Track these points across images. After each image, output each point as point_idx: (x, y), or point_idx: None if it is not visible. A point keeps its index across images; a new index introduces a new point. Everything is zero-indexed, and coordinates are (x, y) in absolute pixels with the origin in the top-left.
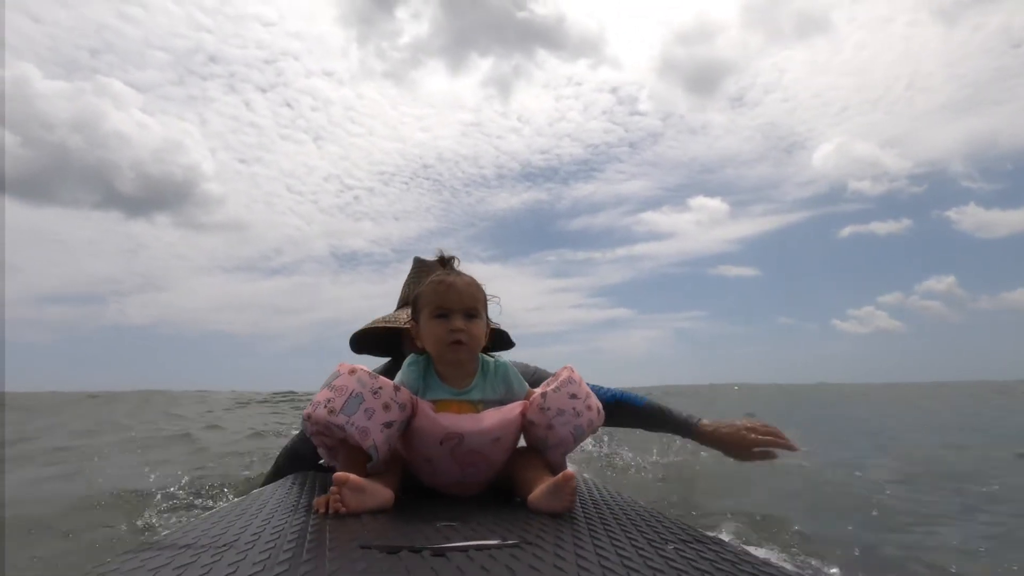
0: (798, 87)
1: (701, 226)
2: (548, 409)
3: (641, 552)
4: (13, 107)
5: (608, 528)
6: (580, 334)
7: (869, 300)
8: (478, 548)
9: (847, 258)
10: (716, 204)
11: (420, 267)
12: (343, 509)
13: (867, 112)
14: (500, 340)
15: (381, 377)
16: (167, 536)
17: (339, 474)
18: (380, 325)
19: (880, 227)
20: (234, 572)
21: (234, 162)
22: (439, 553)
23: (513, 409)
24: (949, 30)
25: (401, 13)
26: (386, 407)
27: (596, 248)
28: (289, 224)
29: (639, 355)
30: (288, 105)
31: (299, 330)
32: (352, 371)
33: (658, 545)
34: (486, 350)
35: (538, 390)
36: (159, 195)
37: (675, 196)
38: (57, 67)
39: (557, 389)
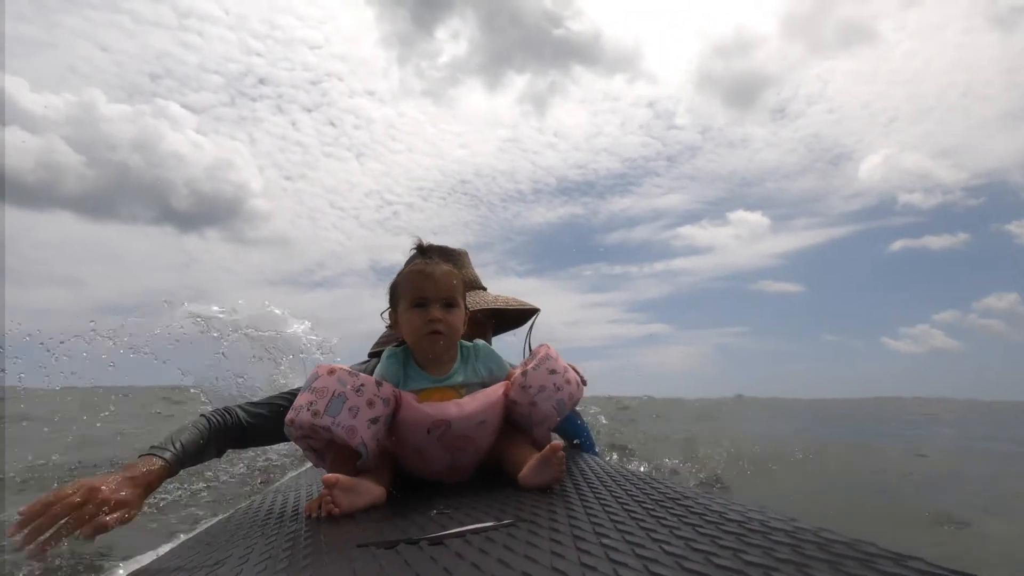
0: (843, 98)
1: (741, 240)
2: (529, 387)
3: (634, 515)
4: (80, 130)
5: (599, 495)
6: (617, 349)
7: (923, 318)
8: (474, 532)
9: (898, 274)
10: (756, 218)
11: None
12: (336, 510)
13: (919, 122)
14: (508, 319)
15: (361, 374)
16: (156, 561)
17: (328, 476)
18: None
19: (934, 241)
20: None
21: (280, 179)
22: (436, 541)
23: (496, 391)
24: (1007, 36)
25: (440, 34)
26: (370, 403)
27: (633, 262)
28: (331, 239)
29: (678, 371)
30: (332, 124)
31: (340, 341)
32: (331, 371)
33: (649, 507)
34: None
35: (517, 369)
36: (210, 211)
37: (714, 210)
38: (121, 91)
39: (536, 367)
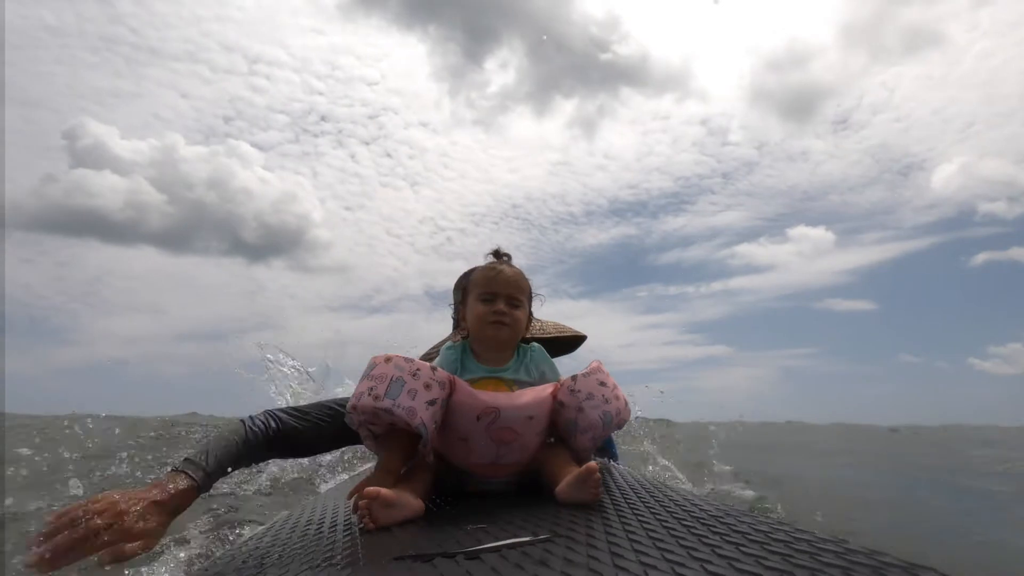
0: (912, 104)
1: (804, 257)
2: (579, 392)
3: (674, 533)
4: (163, 171)
5: (637, 512)
6: (674, 372)
7: (1015, 336)
8: (511, 546)
9: (983, 288)
10: (819, 233)
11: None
12: (371, 526)
13: (998, 126)
14: (560, 345)
15: (417, 360)
16: (200, 570)
17: (370, 489)
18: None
19: (1021, 253)
20: None
21: (340, 209)
22: (473, 556)
23: (546, 389)
24: None
25: (489, 64)
26: (427, 386)
27: (689, 282)
28: (388, 265)
29: (740, 395)
30: (388, 155)
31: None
32: (388, 359)
33: (689, 524)
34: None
35: (569, 376)
36: (276, 242)
37: (773, 227)
38: (198, 134)
39: (587, 375)
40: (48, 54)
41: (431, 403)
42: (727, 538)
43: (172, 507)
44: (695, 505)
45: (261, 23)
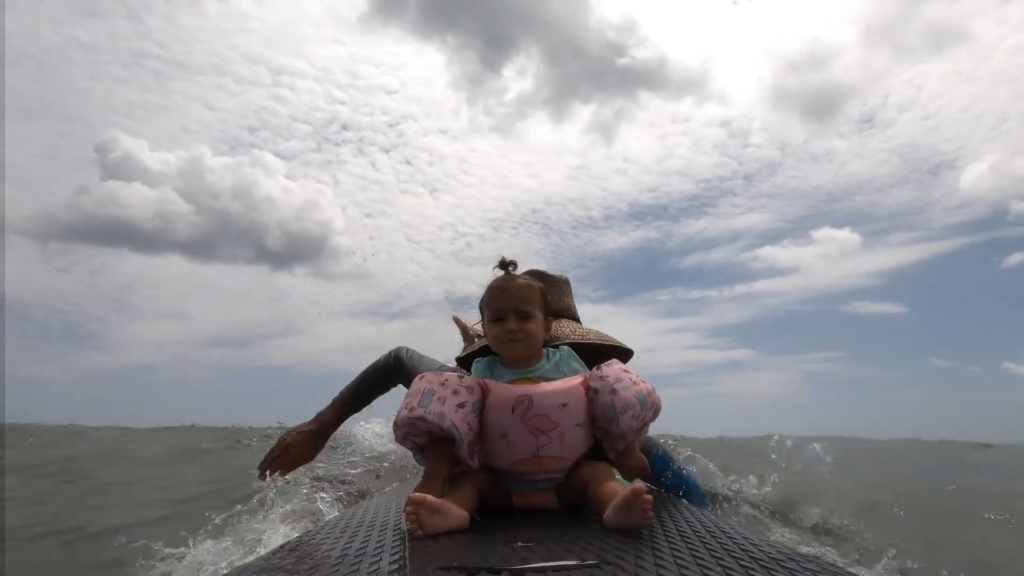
0: (940, 102)
1: (829, 260)
2: (607, 377)
3: (728, 571)
4: (189, 182)
5: (691, 546)
6: (696, 376)
7: None
8: (556, 569)
9: (1017, 290)
10: (845, 235)
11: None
12: (420, 533)
13: None
14: (600, 357)
15: (446, 372)
16: (256, 562)
17: (415, 495)
18: (473, 348)
19: None
20: None
21: (361, 216)
22: (518, 574)
23: (576, 378)
24: None
25: (507, 71)
26: (455, 392)
27: (711, 286)
28: (408, 271)
29: (764, 401)
30: (408, 162)
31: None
32: (421, 377)
33: (747, 564)
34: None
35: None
36: (299, 249)
37: (797, 229)
38: (224, 145)
39: (609, 364)
40: (82, 71)
41: (460, 406)
42: None
43: (322, 434)
44: (753, 544)
45: (284, 35)
